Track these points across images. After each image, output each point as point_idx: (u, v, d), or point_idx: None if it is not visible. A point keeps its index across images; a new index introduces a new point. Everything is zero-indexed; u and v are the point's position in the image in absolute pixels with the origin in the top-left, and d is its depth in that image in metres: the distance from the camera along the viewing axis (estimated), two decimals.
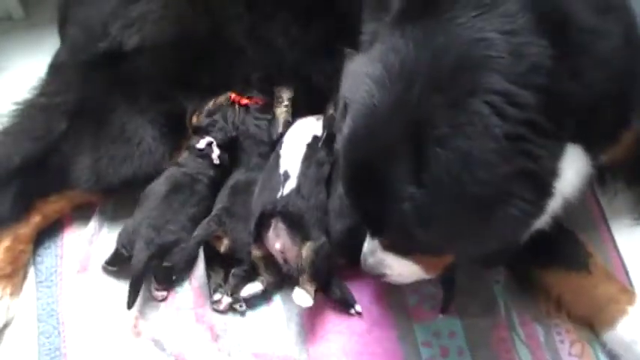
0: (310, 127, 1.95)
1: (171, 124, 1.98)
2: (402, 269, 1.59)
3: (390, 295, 1.82)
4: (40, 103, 1.98)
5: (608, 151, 1.64)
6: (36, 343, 1.82)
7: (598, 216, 1.91)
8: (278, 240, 1.78)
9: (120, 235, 1.87)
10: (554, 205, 1.48)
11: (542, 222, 1.50)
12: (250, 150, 1.97)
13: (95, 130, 1.95)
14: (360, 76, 1.43)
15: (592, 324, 1.73)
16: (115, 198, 1.99)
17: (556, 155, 1.41)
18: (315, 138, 1.91)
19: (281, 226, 1.78)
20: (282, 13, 1.99)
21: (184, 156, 1.98)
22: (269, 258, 1.81)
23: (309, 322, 1.80)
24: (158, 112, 1.96)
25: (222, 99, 2.01)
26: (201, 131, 1.99)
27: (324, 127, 1.91)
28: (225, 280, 1.83)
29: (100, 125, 1.95)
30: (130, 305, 1.79)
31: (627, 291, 1.74)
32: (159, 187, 1.91)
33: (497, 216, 1.35)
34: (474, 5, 1.38)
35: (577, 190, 1.57)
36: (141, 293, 1.82)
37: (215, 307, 1.82)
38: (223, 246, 1.82)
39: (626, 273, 1.82)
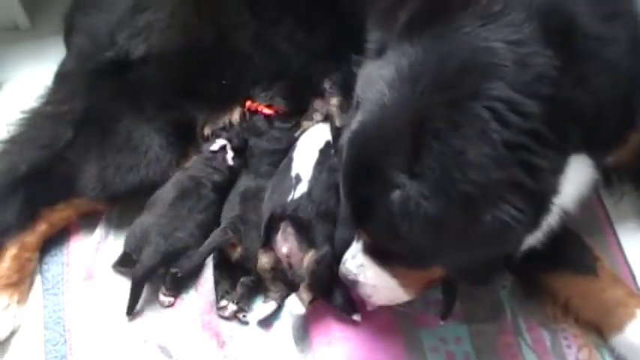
0: (323, 132, 1.96)
1: (178, 132, 1.99)
2: (377, 280, 1.59)
3: None
4: (47, 112, 1.99)
5: (614, 153, 1.64)
6: (42, 350, 1.82)
7: (603, 219, 1.91)
8: (285, 244, 1.79)
9: (127, 238, 1.87)
10: (551, 220, 1.49)
11: (535, 238, 1.51)
12: (261, 157, 1.98)
13: (101, 138, 1.96)
14: (374, 77, 1.46)
15: (600, 328, 1.72)
16: (121, 206, 1.99)
17: (558, 168, 1.42)
18: (328, 144, 1.93)
19: (290, 230, 1.79)
20: (287, 19, 2.01)
21: (192, 160, 1.99)
22: (276, 270, 1.81)
23: (315, 329, 1.80)
24: (165, 121, 1.97)
25: (235, 116, 2.03)
26: (214, 135, 2.01)
27: (334, 136, 1.92)
28: (233, 287, 1.83)
29: (107, 134, 1.96)
30: (129, 311, 1.80)
31: (635, 294, 1.73)
32: (166, 193, 1.91)
33: (485, 219, 1.35)
34: (481, 15, 1.40)
35: (577, 204, 1.58)
36: (148, 299, 1.83)
37: (220, 313, 1.82)
38: (236, 253, 1.83)
39: (633, 277, 1.82)
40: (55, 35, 2.19)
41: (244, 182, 1.95)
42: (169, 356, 1.79)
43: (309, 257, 1.75)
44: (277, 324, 1.82)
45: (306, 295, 1.76)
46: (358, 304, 1.78)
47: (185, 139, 2.01)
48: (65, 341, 1.83)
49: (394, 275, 1.58)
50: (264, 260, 1.81)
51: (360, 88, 1.52)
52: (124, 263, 1.88)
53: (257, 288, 1.84)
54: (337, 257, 1.74)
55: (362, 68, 1.56)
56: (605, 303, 1.69)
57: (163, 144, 1.96)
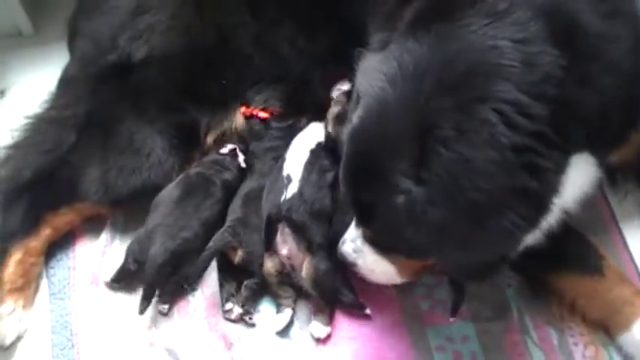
0: (315, 133, 1.96)
1: (181, 135, 1.99)
2: (375, 266, 1.60)
3: (403, 300, 1.82)
4: (50, 117, 1.99)
5: (616, 152, 1.64)
6: (50, 355, 1.82)
7: (608, 218, 1.90)
8: (285, 245, 1.79)
9: (131, 243, 1.87)
10: (551, 220, 1.49)
11: (534, 237, 1.51)
12: (264, 157, 1.98)
13: (104, 141, 1.96)
14: (375, 72, 1.45)
15: (607, 327, 1.72)
16: (126, 210, 1.99)
17: (560, 169, 1.42)
18: (320, 144, 1.93)
19: (287, 231, 1.79)
20: (288, 21, 2.01)
21: (200, 161, 2.00)
22: (282, 274, 1.81)
23: None
24: (168, 123, 1.97)
25: (240, 122, 2.03)
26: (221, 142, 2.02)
27: (326, 142, 1.93)
28: (238, 290, 1.83)
29: (109, 137, 1.96)
30: (141, 311, 1.80)
31: None
32: (171, 191, 1.91)
33: (489, 226, 1.36)
34: (486, 13, 1.40)
35: (578, 203, 1.58)
36: (154, 303, 1.83)
37: (226, 316, 1.82)
38: (237, 257, 1.83)
39: (639, 275, 1.82)
40: (58, 41, 2.20)
41: (248, 184, 1.95)
42: (176, 359, 1.79)
43: (306, 265, 1.76)
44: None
45: (324, 314, 1.77)
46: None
47: (188, 143, 2.01)
48: (73, 345, 1.83)
49: (392, 262, 1.59)
50: (269, 265, 1.81)
51: (360, 82, 1.51)
52: (120, 279, 1.87)
53: (262, 290, 1.84)
54: (336, 238, 1.74)
55: (362, 61, 1.55)
56: (612, 302, 1.69)
57: (166, 147, 1.96)
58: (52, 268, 1.95)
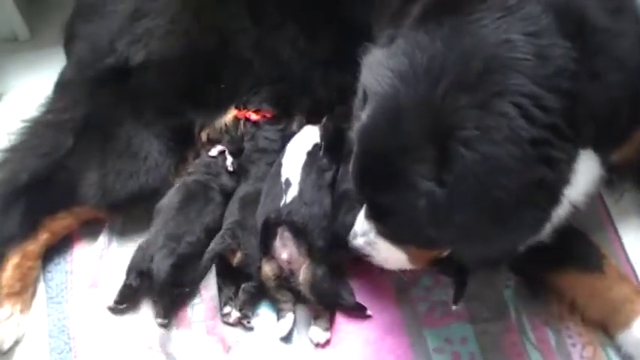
0: (312, 135, 1.97)
1: (177, 137, 1.99)
2: (389, 255, 1.60)
3: (401, 302, 1.83)
4: (48, 120, 1.99)
5: (619, 150, 1.65)
6: (48, 359, 1.81)
7: (604, 217, 1.92)
8: (285, 250, 1.79)
9: (134, 254, 1.86)
10: (560, 213, 1.50)
11: (545, 232, 1.52)
12: (258, 161, 1.98)
13: (102, 145, 1.96)
14: (382, 68, 1.44)
15: (606, 326, 1.73)
16: (124, 213, 1.99)
17: (571, 160, 1.43)
18: (316, 146, 1.93)
19: (287, 235, 1.79)
20: (289, 25, 2.01)
21: (193, 164, 2.00)
22: (280, 278, 1.81)
23: None
24: (165, 126, 1.98)
25: (229, 118, 2.03)
26: (212, 142, 2.01)
27: (322, 135, 1.93)
28: (236, 294, 1.83)
29: (107, 140, 1.96)
30: (162, 315, 1.79)
31: None
32: (171, 198, 1.91)
33: (513, 221, 1.37)
34: (498, 7, 1.41)
35: (586, 196, 1.59)
36: (152, 308, 1.83)
37: (225, 319, 1.82)
38: (236, 259, 1.83)
39: (635, 274, 1.83)
40: (55, 45, 2.20)
41: (244, 188, 1.95)
42: None
43: (304, 271, 1.76)
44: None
45: (323, 319, 1.77)
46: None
47: (183, 144, 2.01)
48: (70, 349, 1.82)
49: (405, 252, 1.59)
50: (267, 269, 1.81)
51: (366, 78, 1.50)
52: (123, 300, 1.84)
53: (260, 294, 1.84)
54: (342, 242, 1.75)
55: (366, 55, 1.54)
56: (612, 300, 1.70)
57: (162, 150, 1.96)
58: (49, 272, 1.94)
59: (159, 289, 1.80)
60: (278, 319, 1.81)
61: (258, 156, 1.99)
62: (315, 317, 1.79)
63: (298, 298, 1.82)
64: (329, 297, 1.77)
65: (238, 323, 1.82)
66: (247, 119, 2.02)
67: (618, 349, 1.71)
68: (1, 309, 1.83)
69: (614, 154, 1.64)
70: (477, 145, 1.32)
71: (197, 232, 1.86)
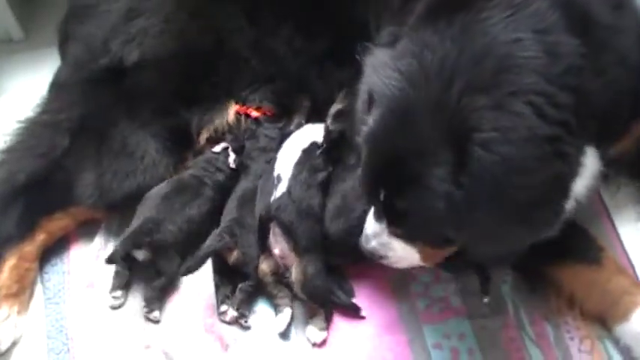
0: (310, 133, 1.97)
1: (174, 137, 1.99)
2: (404, 253, 1.60)
3: (400, 299, 1.83)
4: (44, 121, 1.99)
5: (617, 144, 1.66)
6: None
7: (601, 210, 1.92)
8: (277, 245, 1.80)
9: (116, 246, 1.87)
10: (567, 207, 1.50)
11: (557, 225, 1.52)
12: (258, 158, 1.98)
13: (98, 145, 1.96)
14: (388, 70, 1.44)
15: (604, 319, 1.73)
16: (120, 213, 1.98)
17: (580, 154, 1.44)
18: (313, 144, 1.93)
19: (278, 230, 1.79)
20: (285, 24, 2.01)
21: (194, 160, 2.00)
22: (277, 275, 1.81)
23: None
24: (161, 126, 1.97)
25: (231, 117, 2.03)
26: (211, 142, 2.01)
27: (325, 136, 1.93)
28: (233, 292, 1.83)
29: (103, 140, 1.96)
30: (147, 302, 1.81)
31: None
32: (159, 189, 1.91)
33: (534, 220, 1.39)
34: (506, 5, 1.41)
35: (589, 190, 1.59)
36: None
37: (222, 318, 1.82)
38: (233, 257, 1.83)
39: (632, 266, 1.83)
40: (50, 46, 2.20)
41: (243, 185, 1.95)
42: None
43: (295, 269, 1.76)
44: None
45: (319, 319, 1.77)
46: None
47: (181, 144, 2.01)
48: (68, 350, 1.82)
49: (419, 250, 1.59)
50: (264, 265, 1.81)
51: (371, 80, 1.48)
52: (118, 286, 1.86)
53: (257, 292, 1.84)
54: (333, 247, 1.77)
55: (369, 56, 1.53)
56: (611, 292, 1.70)
57: (160, 149, 1.96)
58: (46, 272, 1.94)
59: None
60: (276, 314, 1.81)
61: (257, 153, 1.99)
62: (311, 316, 1.79)
63: (295, 294, 1.82)
64: (321, 295, 1.77)
65: (235, 322, 1.82)
66: (248, 115, 2.02)
67: (616, 342, 1.72)
68: None
69: (612, 148, 1.64)
70: (495, 146, 1.32)
71: (178, 222, 1.86)
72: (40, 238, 1.92)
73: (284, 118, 2.05)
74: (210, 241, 1.82)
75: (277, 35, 2.01)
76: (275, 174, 1.87)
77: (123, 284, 1.86)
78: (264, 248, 1.82)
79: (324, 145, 1.91)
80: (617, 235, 1.88)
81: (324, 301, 1.78)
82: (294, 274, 1.76)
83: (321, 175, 1.87)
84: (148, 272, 1.86)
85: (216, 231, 1.84)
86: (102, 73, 1.96)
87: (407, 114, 1.40)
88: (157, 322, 1.83)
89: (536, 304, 1.79)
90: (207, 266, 1.85)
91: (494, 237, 1.43)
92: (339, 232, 1.79)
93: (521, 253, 1.58)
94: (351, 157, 1.87)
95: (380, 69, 1.46)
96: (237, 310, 1.81)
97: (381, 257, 1.64)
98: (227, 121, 2.02)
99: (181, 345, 1.80)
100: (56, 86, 2.05)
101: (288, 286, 1.81)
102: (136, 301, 1.86)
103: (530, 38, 1.37)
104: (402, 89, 1.40)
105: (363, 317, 1.80)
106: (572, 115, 1.38)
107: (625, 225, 1.89)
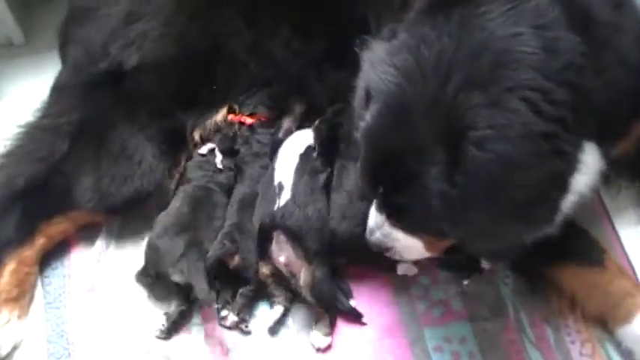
0: (304, 138, 1.97)
1: (169, 140, 1.99)
2: (407, 243, 1.60)
3: (400, 302, 1.83)
4: (44, 125, 1.99)
5: (618, 145, 1.65)
6: None
7: (601, 213, 1.92)
8: (282, 253, 1.79)
9: (147, 254, 1.86)
10: (567, 206, 1.50)
11: (555, 223, 1.51)
12: (252, 163, 1.98)
13: (97, 149, 1.95)
14: (385, 65, 1.43)
15: (605, 321, 1.72)
16: (119, 217, 1.98)
17: (578, 151, 1.43)
18: (309, 148, 1.93)
19: (283, 238, 1.79)
20: (283, 27, 2.01)
21: (188, 167, 2.00)
22: (277, 275, 1.81)
23: None
24: (157, 129, 1.97)
25: (220, 117, 2.03)
26: (204, 142, 2.02)
27: (315, 137, 1.93)
28: (234, 297, 1.83)
29: (102, 144, 1.96)
30: (168, 329, 1.80)
31: None
32: (179, 209, 1.89)
33: (528, 216, 1.38)
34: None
35: (590, 188, 1.59)
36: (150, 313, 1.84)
37: (222, 323, 1.82)
38: (234, 262, 1.83)
39: (632, 268, 1.83)
40: (50, 50, 2.20)
41: (241, 189, 1.95)
42: None
43: (304, 274, 1.76)
44: (282, 331, 1.82)
45: (324, 325, 1.77)
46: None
47: (176, 147, 2.01)
48: (69, 354, 1.82)
49: (421, 240, 1.59)
50: (264, 269, 1.81)
51: (369, 76, 1.48)
52: (142, 275, 1.87)
53: (257, 297, 1.84)
54: (338, 248, 1.77)
55: (366, 50, 1.52)
56: (613, 294, 1.69)
57: (156, 153, 1.96)
58: (47, 277, 1.94)
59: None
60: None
61: (252, 158, 1.99)
62: (316, 321, 1.79)
63: (295, 297, 1.82)
64: (328, 299, 1.77)
65: (236, 327, 1.82)
66: (242, 123, 2.02)
67: (618, 345, 1.71)
68: None
69: (614, 148, 1.63)
70: (489, 144, 1.32)
71: (212, 237, 1.85)
72: (40, 242, 1.92)
73: (278, 123, 2.05)
74: (213, 250, 1.82)
75: (275, 37, 2.01)
76: (276, 182, 1.87)
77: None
78: (264, 255, 1.81)
79: (318, 146, 1.92)
80: (618, 237, 1.88)
81: (330, 305, 1.78)
82: (303, 278, 1.76)
83: (322, 177, 1.87)
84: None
85: (218, 238, 1.84)
86: (101, 77, 1.96)
87: (403, 111, 1.40)
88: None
89: (537, 307, 1.78)
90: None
91: (490, 234, 1.43)
92: (346, 233, 1.79)
93: (521, 249, 1.58)
94: (350, 150, 1.86)
95: (377, 64, 1.46)
96: (238, 315, 1.80)
97: (388, 250, 1.63)
98: (215, 121, 2.02)
99: (182, 350, 1.79)
100: (57, 90, 2.05)
101: (291, 291, 1.81)
102: (136, 305, 1.86)
103: (529, 33, 1.37)
104: (399, 85, 1.40)
105: (364, 324, 1.79)
106: (569, 112, 1.37)
107: (625, 227, 1.89)
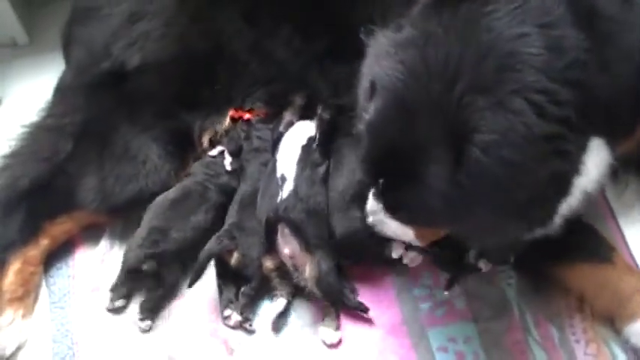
0: (305, 129, 1.97)
1: (175, 141, 1.99)
2: (398, 230, 1.61)
3: (403, 302, 1.82)
4: (47, 125, 1.99)
5: (624, 142, 1.64)
6: None
7: (606, 210, 1.90)
8: (287, 246, 1.79)
9: (124, 253, 1.87)
10: (572, 203, 1.49)
11: (558, 222, 1.51)
12: (253, 160, 1.98)
13: (100, 149, 1.96)
14: (391, 60, 1.42)
15: (613, 318, 1.70)
16: (123, 217, 1.98)
17: (582, 151, 1.43)
18: (311, 139, 1.93)
19: (287, 231, 1.79)
20: (284, 25, 2.00)
21: (194, 166, 2.00)
22: (281, 268, 1.81)
23: None
24: (162, 130, 1.97)
25: (227, 121, 2.03)
26: (214, 145, 2.02)
27: (317, 128, 1.93)
28: (237, 295, 1.83)
29: (105, 145, 1.96)
30: (141, 313, 1.81)
31: None
32: (163, 197, 1.91)
33: (531, 217, 1.39)
34: None
35: (597, 185, 1.58)
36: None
37: (226, 322, 1.82)
38: (234, 259, 1.83)
39: (638, 267, 1.81)
40: (54, 50, 2.20)
41: (242, 188, 1.95)
42: None
43: (309, 267, 1.75)
44: (286, 329, 1.82)
45: (332, 319, 1.77)
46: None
47: (183, 148, 2.01)
48: (74, 354, 1.82)
49: (414, 229, 1.59)
50: (268, 263, 1.82)
51: (373, 69, 1.47)
52: (117, 295, 1.86)
53: (260, 295, 1.84)
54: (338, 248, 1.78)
55: (372, 41, 1.51)
56: (622, 292, 1.68)
57: (162, 154, 1.96)
58: (51, 277, 1.94)
59: (123, 270, 1.82)
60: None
61: (252, 155, 1.99)
62: (324, 317, 1.79)
63: (298, 291, 1.82)
64: (335, 291, 1.76)
65: (239, 326, 1.82)
66: (242, 119, 2.02)
67: (624, 343, 1.69)
68: (3, 315, 1.83)
69: (620, 145, 1.62)
70: (494, 147, 1.31)
71: (184, 230, 1.85)
72: (44, 242, 1.93)
73: (277, 118, 2.04)
74: (210, 245, 1.81)
75: (276, 36, 2.01)
76: (278, 175, 1.87)
77: (125, 294, 1.86)
78: (270, 249, 1.81)
79: (318, 136, 1.91)
80: (622, 236, 1.87)
81: (337, 299, 1.77)
82: (309, 271, 1.76)
83: (322, 170, 1.87)
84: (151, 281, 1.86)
85: (216, 235, 1.83)
86: (104, 77, 1.97)
87: (407, 109, 1.39)
88: (147, 330, 1.83)
89: (541, 306, 1.77)
90: (211, 271, 1.84)
91: (489, 231, 1.44)
92: (342, 235, 1.79)
93: (520, 247, 1.58)
94: (348, 147, 1.88)
95: (382, 57, 1.45)
96: (242, 314, 1.81)
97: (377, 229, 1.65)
98: (225, 127, 2.02)
99: (186, 350, 1.79)
100: (60, 90, 2.05)
101: (291, 282, 1.81)
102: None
103: (534, 33, 1.36)
104: (404, 82, 1.39)
105: (369, 319, 1.79)
106: (573, 111, 1.36)
107: (630, 226, 1.87)
